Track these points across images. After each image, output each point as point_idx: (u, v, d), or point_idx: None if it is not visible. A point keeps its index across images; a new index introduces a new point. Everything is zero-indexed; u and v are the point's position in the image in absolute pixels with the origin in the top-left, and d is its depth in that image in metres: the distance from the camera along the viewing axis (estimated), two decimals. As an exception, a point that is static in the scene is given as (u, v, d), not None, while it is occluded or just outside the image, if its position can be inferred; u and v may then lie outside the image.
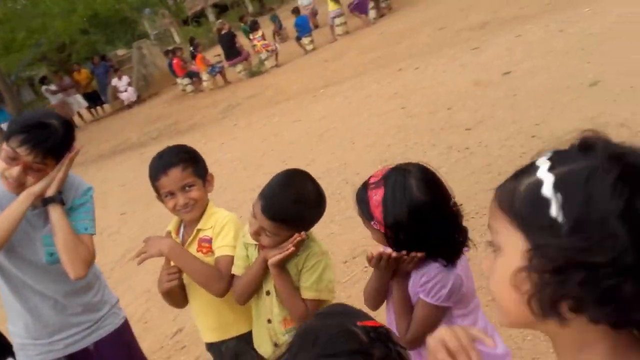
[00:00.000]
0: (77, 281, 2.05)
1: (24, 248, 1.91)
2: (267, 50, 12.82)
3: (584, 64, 5.40)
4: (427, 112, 5.88)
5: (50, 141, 1.80)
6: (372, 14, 13.34)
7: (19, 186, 1.81)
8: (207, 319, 2.06)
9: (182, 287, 2.05)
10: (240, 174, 6.44)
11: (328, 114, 7.41)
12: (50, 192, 1.86)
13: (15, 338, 2.01)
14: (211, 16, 40.05)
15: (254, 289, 1.82)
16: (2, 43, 13.65)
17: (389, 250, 1.47)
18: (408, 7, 13.75)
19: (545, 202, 0.66)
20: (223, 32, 13.51)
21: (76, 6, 15.37)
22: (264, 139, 7.38)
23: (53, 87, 15.90)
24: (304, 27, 13.03)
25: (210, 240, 1.97)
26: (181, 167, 1.90)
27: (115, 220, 6.60)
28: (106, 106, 17.27)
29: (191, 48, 15.35)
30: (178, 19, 33.99)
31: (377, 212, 1.43)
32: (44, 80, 16.73)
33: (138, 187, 7.68)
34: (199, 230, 1.98)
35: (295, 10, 13.82)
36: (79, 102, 16.12)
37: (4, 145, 1.76)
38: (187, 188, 1.91)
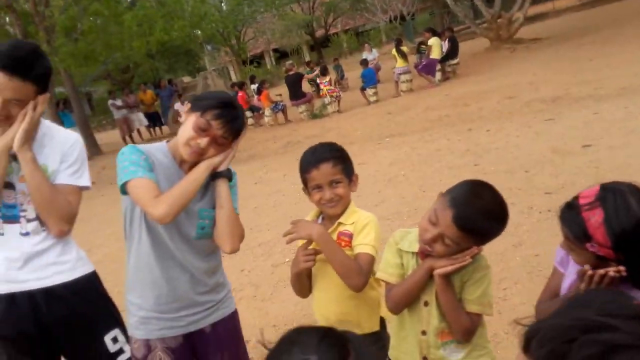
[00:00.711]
0: (212, 259, 2.15)
1: (181, 217, 1.98)
2: (332, 96, 13.15)
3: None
4: (503, 172, 5.90)
5: (239, 122, 1.96)
6: (437, 75, 13.62)
7: (200, 155, 1.92)
8: (330, 314, 2.09)
9: (309, 276, 2.11)
10: (305, 205, 6.50)
11: (396, 160, 7.50)
12: (222, 167, 1.98)
13: (139, 311, 2.04)
14: (269, 60, 41.56)
15: (413, 298, 1.82)
16: (82, 54, 14.31)
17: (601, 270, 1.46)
18: (473, 75, 13.99)
19: None
20: (291, 73, 13.94)
21: (154, 29, 16.06)
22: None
23: (119, 102, 16.57)
24: (371, 78, 13.36)
25: (350, 236, 2.02)
26: (332, 163, 1.99)
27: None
28: (164, 128, 17.81)
29: (252, 85, 15.92)
30: (238, 58, 35.27)
31: (599, 233, 1.42)
32: (110, 94, 17.43)
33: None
34: (340, 224, 2.04)
35: (364, 62, 14.21)
36: (140, 119, 16.71)
37: (197, 116, 1.88)
38: (334, 184, 1.99)
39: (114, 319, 2.32)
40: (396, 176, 6.76)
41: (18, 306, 2.10)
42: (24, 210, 2.10)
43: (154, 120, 17.56)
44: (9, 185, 2.08)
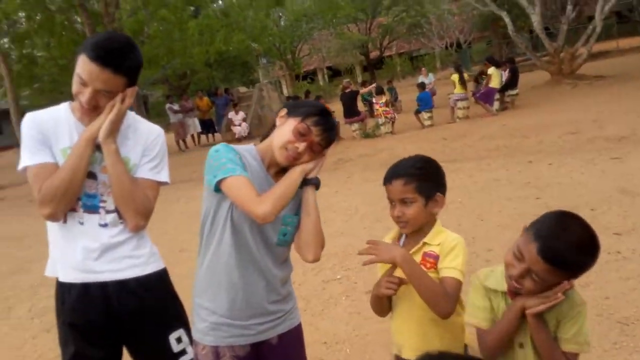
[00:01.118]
0: (286, 268, 2.13)
1: (267, 224, 1.95)
2: (386, 117, 13.09)
3: None
4: (567, 208, 5.62)
5: (334, 132, 2.00)
6: (495, 105, 13.40)
7: (294, 160, 1.93)
8: (411, 338, 2.01)
9: (389, 298, 2.04)
10: (357, 224, 6.44)
11: (451, 186, 7.22)
12: (312, 175, 1.98)
13: (210, 316, 2.00)
14: (322, 76, 41.97)
15: (508, 342, 1.74)
16: (146, 57, 14.70)
17: None
18: (531, 107, 13.71)
19: None
20: (347, 90, 13.97)
21: (215, 38, 16.42)
22: (382, 195, 7.39)
23: (176, 107, 16.94)
24: (427, 102, 13.27)
25: (436, 257, 1.94)
26: (404, 180, 1.93)
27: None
28: (217, 135, 18.11)
29: (306, 99, 16.05)
30: (292, 73, 35.76)
31: None
32: (168, 98, 17.86)
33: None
34: (425, 244, 1.97)
35: (421, 85, 14.14)
36: (195, 125, 17.05)
37: (297, 121, 1.91)
38: (406, 202, 1.93)
39: (181, 319, 2.29)
40: (452, 202, 6.60)
41: (91, 296, 2.10)
42: (104, 201, 2.11)
43: (208, 127, 17.89)
44: (92, 175, 2.09)
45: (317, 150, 1.95)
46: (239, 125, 16.52)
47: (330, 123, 1.96)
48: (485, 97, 13.31)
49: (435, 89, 16.69)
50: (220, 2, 15.29)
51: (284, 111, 1.99)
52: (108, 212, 2.11)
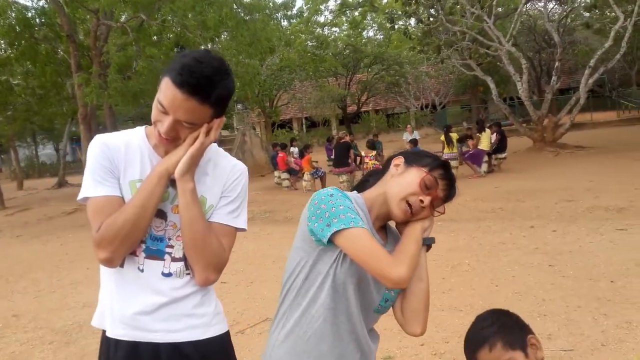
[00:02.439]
0: (376, 340, 1.79)
1: (369, 284, 1.66)
2: (375, 171, 12.94)
3: None
4: (585, 278, 5.45)
5: (455, 188, 1.77)
6: (483, 167, 13.42)
7: (414, 215, 1.67)
8: None
9: None
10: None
11: (455, 247, 7.08)
12: (427, 234, 1.72)
13: None
14: (297, 126, 42.15)
15: None
16: (131, 93, 14.31)
17: None
18: (517, 172, 13.82)
19: None
20: (342, 141, 13.84)
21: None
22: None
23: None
24: (417, 159, 13.18)
25: None
26: (488, 347, 1.72)
27: (217, 288, 6.26)
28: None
29: (292, 148, 15.85)
30: (268, 120, 35.72)
31: None
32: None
33: (237, 259, 7.44)
34: None
35: (413, 142, 14.12)
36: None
37: (425, 172, 1.66)
38: None
39: None
40: (459, 264, 6.32)
41: (139, 357, 1.69)
42: (171, 247, 1.73)
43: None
44: (161, 214, 1.71)
45: (437, 206, 1.70)
46: (220, 168, 16.16)
47: (453, 178, 1.74)
48: (473, 158, 13.35)
49: (419, 147, 16.74)
50: (213, 45, 15.06)
51: (400, 159, 1.74)
52: (175, 259, 1.73)
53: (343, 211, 1.55)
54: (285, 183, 14.36)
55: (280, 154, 14.27)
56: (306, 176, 13.76)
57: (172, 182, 1.69)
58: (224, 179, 1.79)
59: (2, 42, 16.81)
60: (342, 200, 1.59)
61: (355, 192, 1.77)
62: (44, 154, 48.97)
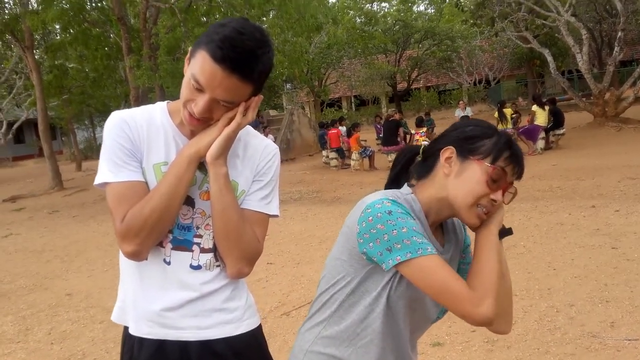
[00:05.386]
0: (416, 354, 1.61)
1: (427, 304, 1.51)
2: (426, 148, 12.61)
3: None
4: (651, 263, 5.08)
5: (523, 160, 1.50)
6: (540, 143, 12.84)
7: (488, 215, 1.44)
8: None
9: None
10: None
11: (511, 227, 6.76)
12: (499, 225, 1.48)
13: None
14: (347, 104, 41.77)
15: None
16: (181, 74, 14.39)
17: None
18: (576, 148, 13.23)
19: None
20: (391, 119, 13.55)
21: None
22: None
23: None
24: (470, 136, 12.75)
25: None
26: None
27: (263, 269, 6.22)
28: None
29: (340, 127, 15.64)
30: (317, 99, 35.53)
31: None
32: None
33: (282, 240, 7.39)
34: None
35: (464, 119, 13.63)
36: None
37: (490, 167, 1.38)
38: None
39: None
40: (515, 246, 6.02)
41: (166, 356, 1.57)
42: (199, 236, 1.58)
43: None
44: (188, 201, 1.56)
45: (509, 190, 1.43)
46: (267, 148, 16.18)
47: (521, 154, 1.44)
48: (528, 133, 12.78)
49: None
50: (263, 19, 14.92)
51: (451, 150, 1.42)
52: (204, 251, 1.58)
53: (407, 235, 1.30)
54: (334, 162, 14.21)
55: (334, 130, 14.05)
56: (354, 155, 13.55)
57: (199, 165, 1.54)
58: (256, 161, 1.63)
59: (56, 26, 17.25)
60: (404, 220, 1.32)
61: (408, 191, 1.46)
62: (101, 136, 50.65)
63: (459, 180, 1.39)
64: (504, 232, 1.43)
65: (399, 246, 1.30)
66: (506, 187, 1.40)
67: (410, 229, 1.31)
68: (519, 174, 1.42)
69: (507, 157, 1.38)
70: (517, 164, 1.40)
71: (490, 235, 1.39)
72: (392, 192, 1.43)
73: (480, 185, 1.37)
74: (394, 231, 1.30)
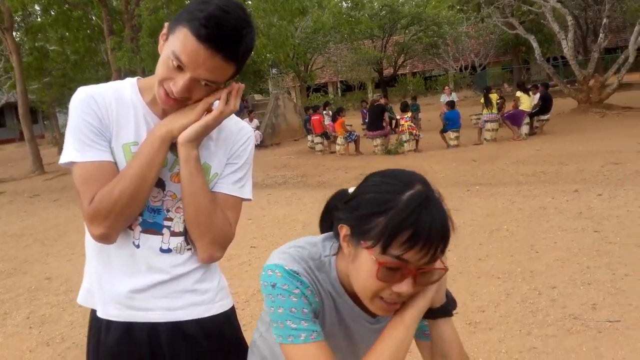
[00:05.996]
0: None
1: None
2: (411, 133, 12.57)
3: None
4: (633, 244, 5.10)
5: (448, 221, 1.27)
6: (524, 129, 12.88)
7: (397, 305, 1.30)
8: None
9: None
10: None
11: (493, 212, 6.77)
12: (439, 300, 1.28)
13: None
14: (333, 89, 41.62)
15: None
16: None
17: None
18: (560, 134, 13.27)
19: None
20: (377, 104, 13.50)
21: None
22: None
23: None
24: (455, 121, 12.77)
25: None
26: None
27: (246, 253, 6.17)
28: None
29: (324, 111, 15.55)
30: (303, 84, 35.34)
31: None
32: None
33: (266, 224, 7.34)
34: None
35: (450, 104, 13.60)
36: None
37: (377, 257, 1.11)
38: None
39: None
40: (498, 230, 6.03)
41: (134, 338, 1.52)
42: (170, 219, 1.52)
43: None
44: (159, 183, 1.50)
45: (425, 276, 1.13)
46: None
47: (437, 221, 1.07)
48: (513, 118, 12.82)
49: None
50: (248, 2, 14.71)
51: (345, 229, 1.17)
52: (174, 234, 1.52)
53: (281, 318, 1.18)
54: (319, 147, 14.18)
55: (316, 116, 14.01)
56: (339, 140, 13.51)
57: (171, 147, 1.47)
58: (230, 143, 1.57)
59: (36, 8, 16.88)
60: (284, 299, 1.18)
61: (331, 252, 1.27)
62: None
63: (355, 267, 1.16)
64: (438, 312, 1.20)
65: (274, 325, 1.21)
66: (415, 273, 1.09)
67: (287, 312, 1.18)
68: (432, 255, 1.07)
69: (407, 241, 1.04)
70: (425, 244, 1.05)
71: (397, 325, 1.16)
72: (307, 251, 1.26)
73: (371, 280, 1.11)
74: (272, 308, 1.20)
